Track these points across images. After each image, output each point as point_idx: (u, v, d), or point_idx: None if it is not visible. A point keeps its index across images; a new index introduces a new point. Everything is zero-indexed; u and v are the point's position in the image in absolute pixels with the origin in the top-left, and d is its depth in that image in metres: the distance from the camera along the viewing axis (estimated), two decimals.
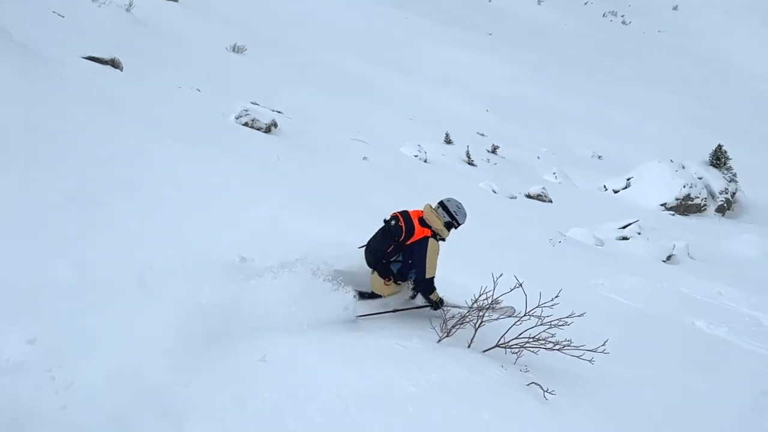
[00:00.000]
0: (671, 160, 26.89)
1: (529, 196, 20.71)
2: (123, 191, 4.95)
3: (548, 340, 3.60)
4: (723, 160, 27.29)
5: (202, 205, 5.84)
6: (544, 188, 21.40)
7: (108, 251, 3.62)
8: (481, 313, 3.83)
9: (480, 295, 3.90)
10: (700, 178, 26.40)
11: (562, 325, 3.57)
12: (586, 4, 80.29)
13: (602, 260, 12.82)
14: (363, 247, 4.50)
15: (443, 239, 4.33)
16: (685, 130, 38.36)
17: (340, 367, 2.99)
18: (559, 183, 25.53)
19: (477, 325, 3.81)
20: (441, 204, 4.39)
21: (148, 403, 2.41)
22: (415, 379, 3.06)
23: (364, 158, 15.36)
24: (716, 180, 26.75)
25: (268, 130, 13.84)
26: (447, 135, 25.73)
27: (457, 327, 3.80)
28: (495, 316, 3.88)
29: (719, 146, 27.53)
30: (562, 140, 34.24)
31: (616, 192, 26.80)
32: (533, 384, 3.33)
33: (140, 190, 5.23)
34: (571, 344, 3.56)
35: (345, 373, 2.94)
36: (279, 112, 17.02)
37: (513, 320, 3.79)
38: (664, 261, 16.20)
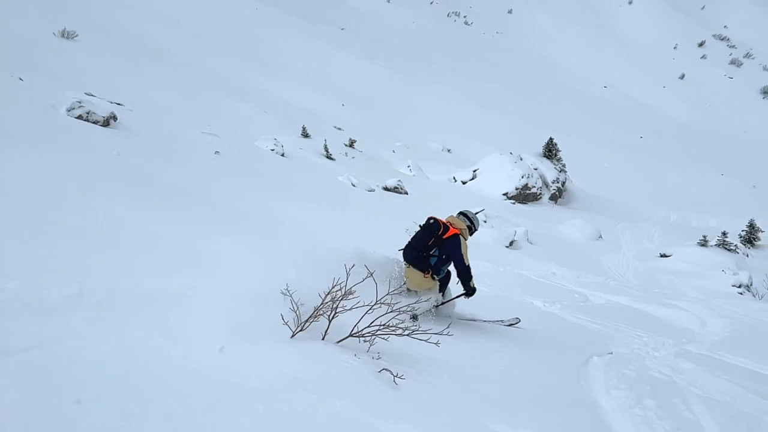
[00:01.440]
0: (511, 153, 29.25)
1: (386, 189, 21.32)
2: None
3: (398, 326, 3.71)
4: (554, 152, 30.25)
5: (33, 210, 5.20)
6: (400, 181, 22.16)
7: None
8: (334, 305, 3.84)
9: (333, 287, 3.90)
10: (535, 169, 29.04)
11: (409, 311, 3.69)
12: (432, 3, 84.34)
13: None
14: (402, 249, 5.41)
15: (465, 239, 5.43)
16: (521, 125, 41.99)
17: (180, 373, 2.81)
18: (414, 175, 26.61)
19: (331, 317, 3.81)
20: (461, 213, 5.70)
21: None
22: (266, 375, 2.98)
23: (217, 152, 14.73)
24: (549, 170, 29.62)
25: (106, 124, 12.69)
26: (304, 129, 25.58)
27: (311, 321, 3.77)
28: (349, 306, 3.91)
29: (550, 139, 30.46)
30: (414, 134, 35.69)
31: (464, 183, 28.58)
32: (384, 370, 3.42)
33: None
34: (420, 328, 3.70)
35: (187, 378, 2.77)
36: (119, 104, 15.71)
37: (365, 309, 3.84)
38: (507, 246, 17.65)
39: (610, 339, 6.79)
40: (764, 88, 73.73)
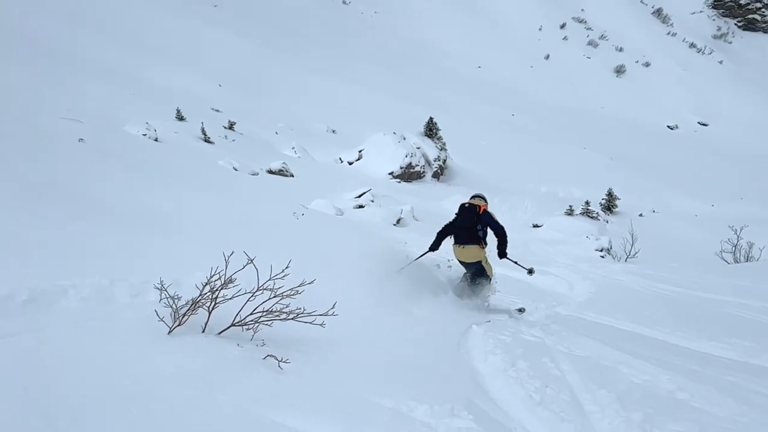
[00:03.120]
0: (394, 133, 29.78)
1: (270, 172, 20.90)
2: None
3: (282, 311, 3.67)
4: (434, 131, 31.23)
5: None
6: (284, 163, 21.80)
7: None
8: (214, 295, 3.70)
9: (212, 276, 3.76)
10: (418, 148, 29.84)
11: (293, 295, 3.66)
12: None
13: (343, 228, 13.66)
14: (457, 242, 6.87)
15: None
16: (402, 105, 42.73)
17: (41, 383, 2.57)
18: (299, 157, 26.31)
19: (210, 308, 3.67)
20: (476, 195, 7.28)
21: None
22: (139, 376, 2.81)
23: (81, 140, 13.50)
24: (431, 149, 30.57)
25: None
26: (178, 111, 24.27)
27: (188, 314, 3.61)
28: (229, 296, 3.78)
29: (431, 119, 31.37)
30: (297, 115, 35.12)
31: (350, 164, 28.75)
32: (269, 356, 3.37)
33: None
34: (304, 311, 3.68)
35: (50, 388, 2.54)
36: None
37: (246, 297, 3.74)
38: (395, 224, 18.05)
39: (489, 307, 7.20)
40: (617, 67, 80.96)
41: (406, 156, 28.72)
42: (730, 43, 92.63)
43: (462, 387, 3.76)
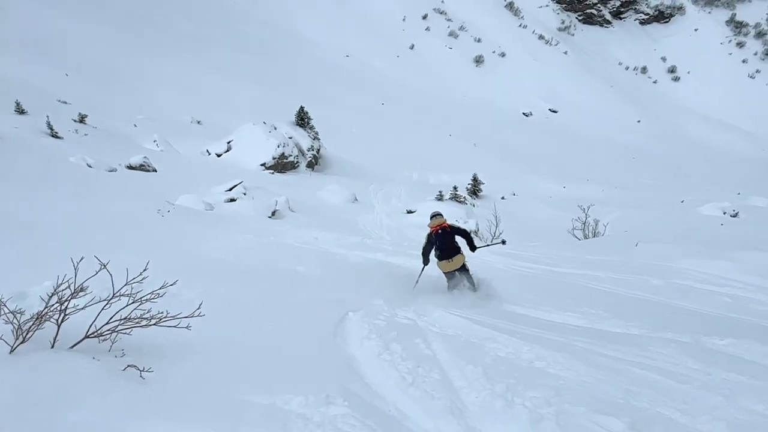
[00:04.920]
0: (264, 123, 29.07)
1: (131, 167, 19.47)
2: None
3: (142, 317, 3.43)
4: (306, 120, 30.94)
5: None
6: (146, 157, 20.42)
7: None
8: (63, 306, 3.37)
9: (60, 285, 3.42)
10: (290, 138, 29.39)
11: (154, 299, 3.44)
12: None
13: (214, 224, 13.12)
14: (445, 258, 8.05)
15: None
16: (271, 94, 41.86)
17: None
18: (162, 151, 24.81)
19: (59, 321, 3.34)
20: (436, 215, 8.44)
21: None
22: None
23: None
24: (303, 138, 30.26)
25: None
26: (18, 104, 21.75)
27: (33, 329, 3.26)
28: (81, 305, 3.47)
29: (302, 108, 31.01)
30: (157, 106, 33.04)
31: (219, 156, 27.64)
32: (130, 367, 3.14)
33: None
34: (168, 315, 3.48)
35: None
36: None
37: (102, 305, 3.45)
38: (270, 217, 17.70)
39: (366, 293, 7.31)
40: (476, 57, 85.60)
41: (279, 146, 28.17)
42: (573, 35, 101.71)
43: (337, 374, 3.78)
